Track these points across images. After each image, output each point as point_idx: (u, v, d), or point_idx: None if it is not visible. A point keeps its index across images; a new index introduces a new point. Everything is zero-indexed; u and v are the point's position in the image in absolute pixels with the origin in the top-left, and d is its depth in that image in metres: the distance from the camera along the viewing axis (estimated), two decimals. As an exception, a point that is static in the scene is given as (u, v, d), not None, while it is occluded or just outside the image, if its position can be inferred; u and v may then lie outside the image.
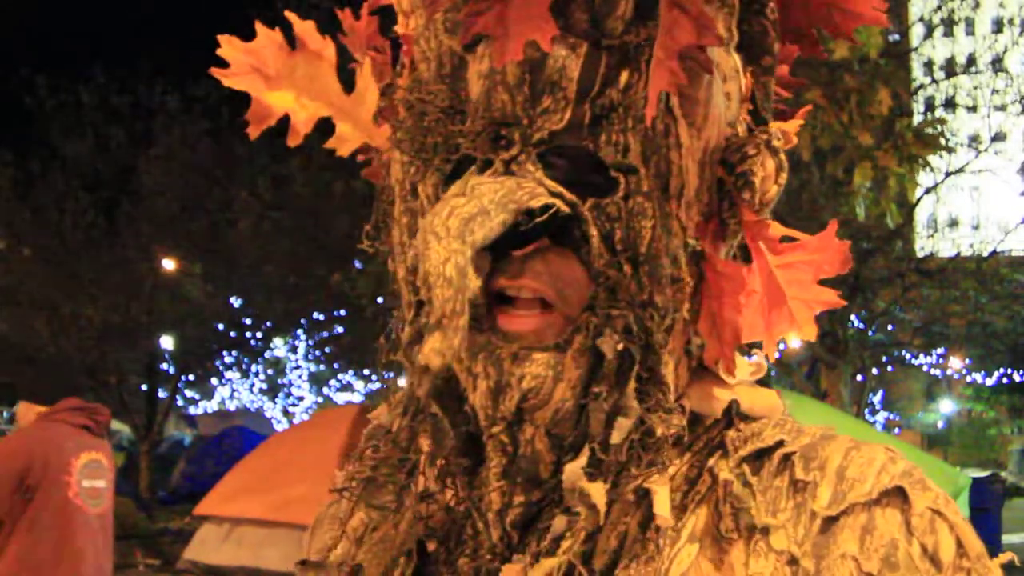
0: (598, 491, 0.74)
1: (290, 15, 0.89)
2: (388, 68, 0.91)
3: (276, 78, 0.89)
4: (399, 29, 0.89)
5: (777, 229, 0.84)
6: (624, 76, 0.77)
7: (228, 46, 0.88)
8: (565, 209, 0.75)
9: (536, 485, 0.77)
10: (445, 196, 0.73)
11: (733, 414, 0.84)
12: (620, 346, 0.76)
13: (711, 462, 0.82)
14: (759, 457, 0.80)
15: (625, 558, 0.76)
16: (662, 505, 0.76)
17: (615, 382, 0.76)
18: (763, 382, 0.89)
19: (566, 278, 0.77)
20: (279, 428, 20.70)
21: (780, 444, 0.80)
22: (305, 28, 0.89)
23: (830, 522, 0.75)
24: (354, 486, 0.82)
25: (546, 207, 0.74)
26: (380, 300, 12.99)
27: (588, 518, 0.75)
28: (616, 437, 0.76)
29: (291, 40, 0.89)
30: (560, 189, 0.76)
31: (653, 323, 0.78)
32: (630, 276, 0.77)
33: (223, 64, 0.89)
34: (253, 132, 0.89)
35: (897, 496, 0.75)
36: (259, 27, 0.89)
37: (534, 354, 0.75)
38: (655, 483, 0.76)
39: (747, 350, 0.88)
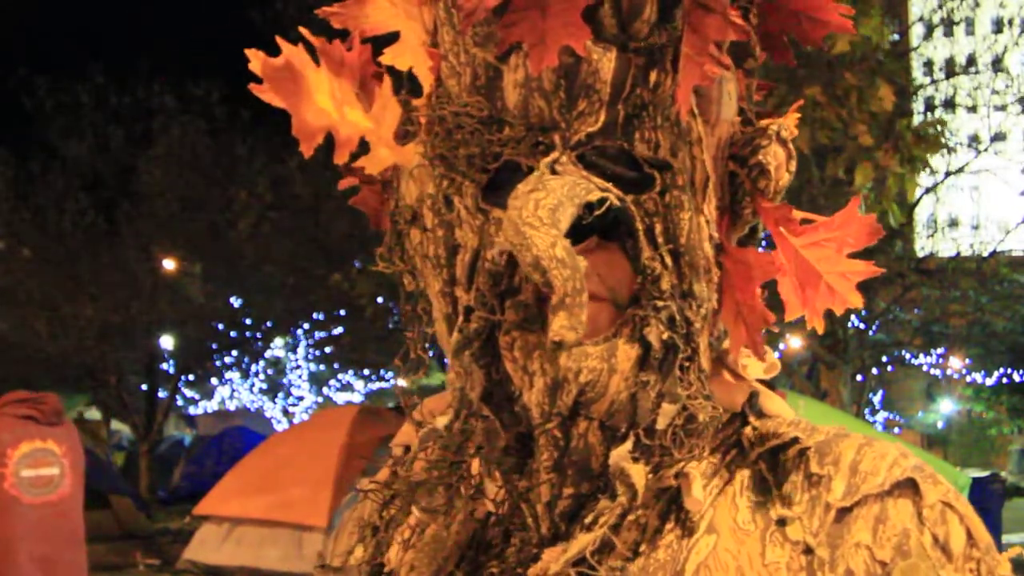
0: (638, 472, 0.77)
1: (304, 31, 0.90)
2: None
3: (311, 92, 0.89)
4: (386, 60, 0.90)
5: (796, 213, 0.87)
6: (652, 76, 0.80)
7: (256, 60, 0.89)
8: (616, 202, 0.78)
9: (586, 477, 0.79)
10: (519, 193, 0.75)
11: (749, 410, 0.87)
12: (666, 336, 0.78)
13: (728, 458, 0.84)
14: (775, 453, 0.83)
15: (646, 546, 0.79)
16: (697, 489, 0.79)
17: (661, 371, 0.79)
18: (769, 384, 0.91)
19: (614, 273, 0.80)
20: (279, 428, 20.70)
21: (795, 440, 0.82)
22: (323, 45, 0.89)
23: (844, 513, 0.77)
24: (404, 492, 0.84)
25: (602, 200, 0.77)
26: (380, 300, 13.01)
27: (626, 495, 0.77)
28: (661, 423, 0.78)
29: (314, 56, 0.90)
30: (607, 185, 0.78)
31: (693, 312, 0.81)
32: (672, 268, 0.80)
33: (249, 74, 0.89)
34: (306, 150, 0.90)
35: (909, 488, 0.77)
36: (282, 43, 0.89)
37: (588, 348, 0.77)
38: (692, 469, 0.79)
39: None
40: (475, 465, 0.83)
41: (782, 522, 0.79)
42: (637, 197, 0.80)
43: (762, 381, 0.91)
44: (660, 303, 0.79)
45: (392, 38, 0.91)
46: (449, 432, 0.82)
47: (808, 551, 0.77)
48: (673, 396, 0.79)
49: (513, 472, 0.81)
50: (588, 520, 0.78)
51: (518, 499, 0.81)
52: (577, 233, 0.76)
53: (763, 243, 0.96)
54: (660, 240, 0.80)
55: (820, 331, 0.88)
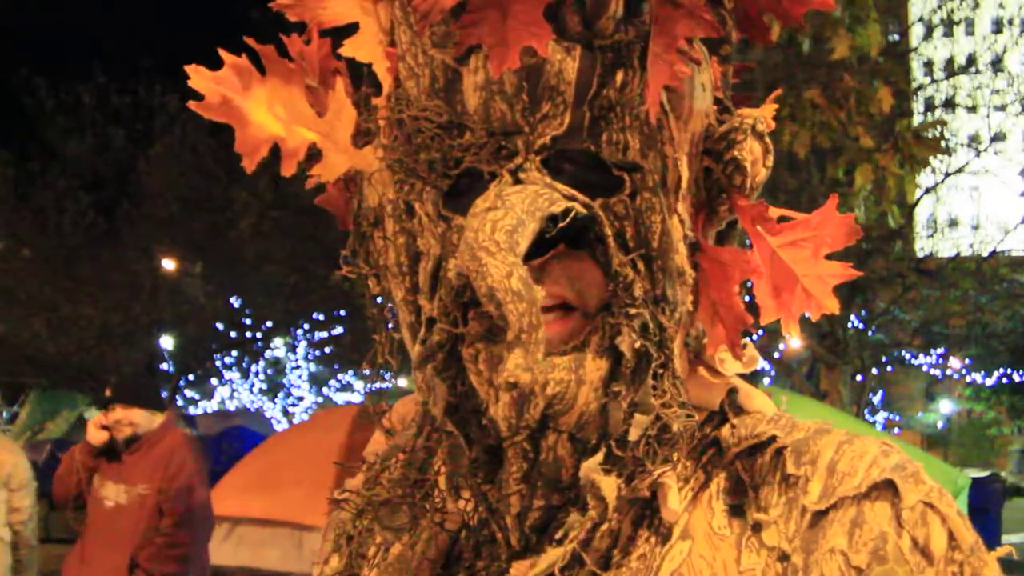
0: (609, 484, 0.74)
1: (250, 40, 0.86)
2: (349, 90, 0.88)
3: (253, 106, 0.86)
4: (345, 52, 0.87)
5: (773, 211, 0.83)
6: (619, 75, 0.77)
7: (197, 76, 0.85)
8: (582, 211, 0.75)
9: (556, 489, 0.76)
10: (476, 210, 0.72)
11: (728, 408, 0.84)
12: (638, 344, 0.76)
13: (705, 459, 0.81)
14: (752, 453, 0.79)
15: (619, 554, 0.77)
16: (673, 499, 0.76)
17: (633, 380, 0.76)
18: (756, 382, 0.88)
19: (583, 280, 0.76)
20: (279, 428, 20.67)
21: (773, 439, 0.79)
22: (268, 52, 0.86)
23: (819, 516, 0.74)
24: (369, 509, 0.82)
25: (567, 211, 0.74)
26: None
27: (597, 508, 0.74)
28: (634, 434, 0.75)
29: (259, 65, 0.86)
30: (572, 192, 0.76)
31: (666, 318, 0.78)
32: (644, 273, 0.77)
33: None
34: (248, 165, 0.86)
35: (887, 489, 0.74)
36: (224, 54, 0.86)
37: (555, 359, 0.74)
38: (667, 478, 0.76)
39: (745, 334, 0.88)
40: (442, 481, 0.81)
41: (757, 527, 0.75)
42: (606, 201, 0.77)
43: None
44: (633, 310, 0.76)
45: (353, 29, 0.87)
46: (412, 449, 0.80)
47: (784, 557, 0.74)
48: (646, 406, 0.76)
49: (484, 483, 0.78)
50: (558, 535, 0.75)
51: (488, 511, 0.78)
52: (544, 243, 0.74)
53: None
54: (631, 244, 0.77)
55: (797, 335, 0.85)
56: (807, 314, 0.84)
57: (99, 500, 4.30)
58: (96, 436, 4.35)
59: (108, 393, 4.61)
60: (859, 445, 0.77)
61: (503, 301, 0.69)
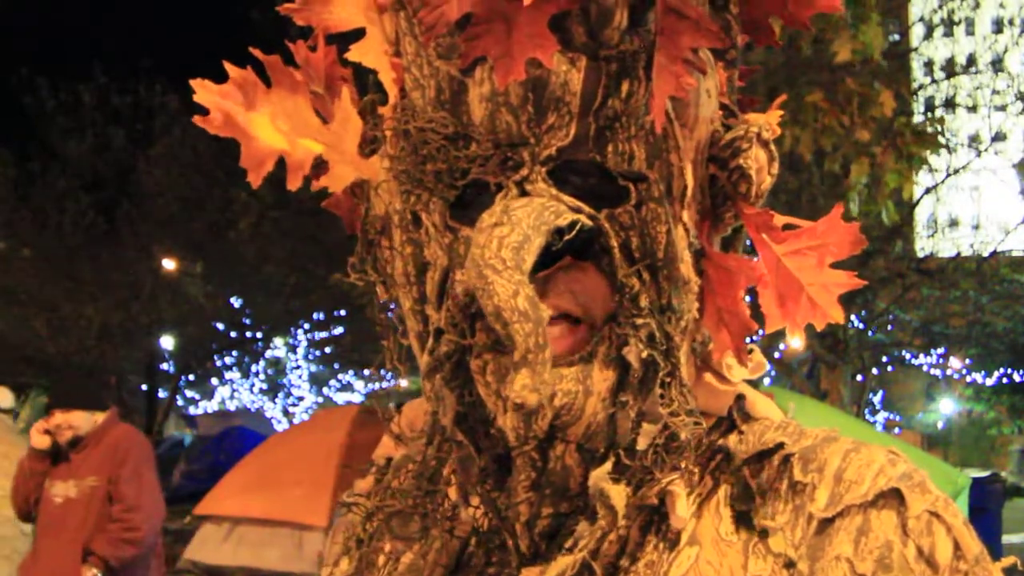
0: (618, 493, 0.75)
1: (256, 51, 0.87)
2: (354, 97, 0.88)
3: (258, 118, 0.86)
4: (352, 57, 0.87)
5: (778, 219, 0.84)
6: (625, 85, 0.77)
7: (202, 91, 0.86)
8: (588, 223, 0.75)
9: (565, 497, 0.77)
10: (483, 226, 0.72)
11: (736, 414, 0.84)
12: (645, 354, 0.76)
13: (712, 465, 0.82)
14: (760, 460, 0.80)
15: (626, 560, 0.77)
16: (681, 507, 0.77)
17: (640, 390, 0.76)
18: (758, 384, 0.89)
19: (588, 292, 0.77)
20: (279, 428, 20.68)
21: (780, 446, 0.79)
22: (274, 62, 0.86)
23: (825, 524, 0.74)
24: (380, 518, 0.82)
25: (573, 224, 0.74)
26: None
27: (606, 518, 0.75)
28: (642, 443, 0.76)
29: (264, 76, 0.86)
30: (578, 203, 0.76)
31: (672, 327, 0.78)
32: (650, 283, 0.78)
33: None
34: (254, 180, 0.87)
35: (894, 498, 0.74)
36: (229, 68, 0.86)
37: (562, 370, 0.75)
38: (676, 486, 0.77)
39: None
40: (453, 491, 0.81)
41: (764, 533, 0.76)
42: (612, 211, 0.77)
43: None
44: (639, 320, 0.76)
45: (358, 35, 0.87)
46: (423, 460, 0.80)
47: (790, 564, 0.74)
48: (654, 415, 0.76)
49: (493, 490, 0.78)
50: (568, 543, 0.76)
51: (498, 518, 0.78)
52: (550, 256, 0.74)
53: (748, 242, 0.94)
54: (637, 255, 0.78)
55: (800, 336, 0.86)
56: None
57: (49, 498, 4.36)
58: (39, 441, 4.42)
59: (47, 400, 4.65)
60: (866, 453, 0.77)
61: (509, 321, 0.69)
